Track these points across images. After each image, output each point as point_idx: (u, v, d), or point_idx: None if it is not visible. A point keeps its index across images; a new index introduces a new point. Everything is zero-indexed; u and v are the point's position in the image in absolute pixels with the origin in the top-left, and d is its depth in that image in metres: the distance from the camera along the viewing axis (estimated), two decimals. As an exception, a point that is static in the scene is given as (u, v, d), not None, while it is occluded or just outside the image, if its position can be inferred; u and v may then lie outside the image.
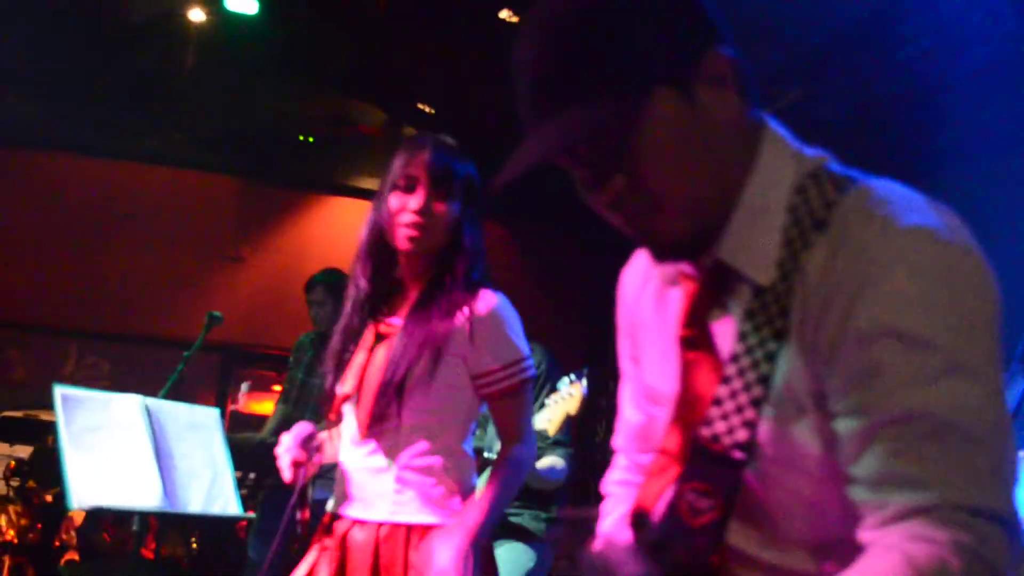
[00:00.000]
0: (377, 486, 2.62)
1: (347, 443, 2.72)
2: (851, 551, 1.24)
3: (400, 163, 2.63)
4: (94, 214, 8.57)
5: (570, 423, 4.36)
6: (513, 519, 4.31)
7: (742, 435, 1.32)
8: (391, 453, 2.61)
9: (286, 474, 2.59)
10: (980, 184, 5.31)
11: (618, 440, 1.79)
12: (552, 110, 1.34)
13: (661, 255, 1.43)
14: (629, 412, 1.73)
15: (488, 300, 2.66)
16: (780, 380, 1.32)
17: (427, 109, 9.10)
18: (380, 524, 2.59)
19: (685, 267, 1.48)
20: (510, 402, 2.67)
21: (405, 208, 2.58)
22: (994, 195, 5.08)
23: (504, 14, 7.23)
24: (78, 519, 6.90)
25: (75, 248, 8.48)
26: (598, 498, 1.78)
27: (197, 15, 7.72)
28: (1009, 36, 5.04)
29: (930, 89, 5.96)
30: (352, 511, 2.66)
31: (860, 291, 1.23)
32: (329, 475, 5.69)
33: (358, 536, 2.60)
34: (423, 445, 2.61)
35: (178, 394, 5.06)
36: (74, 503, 3.47)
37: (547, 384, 4.25)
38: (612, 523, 1.69)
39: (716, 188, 1.38)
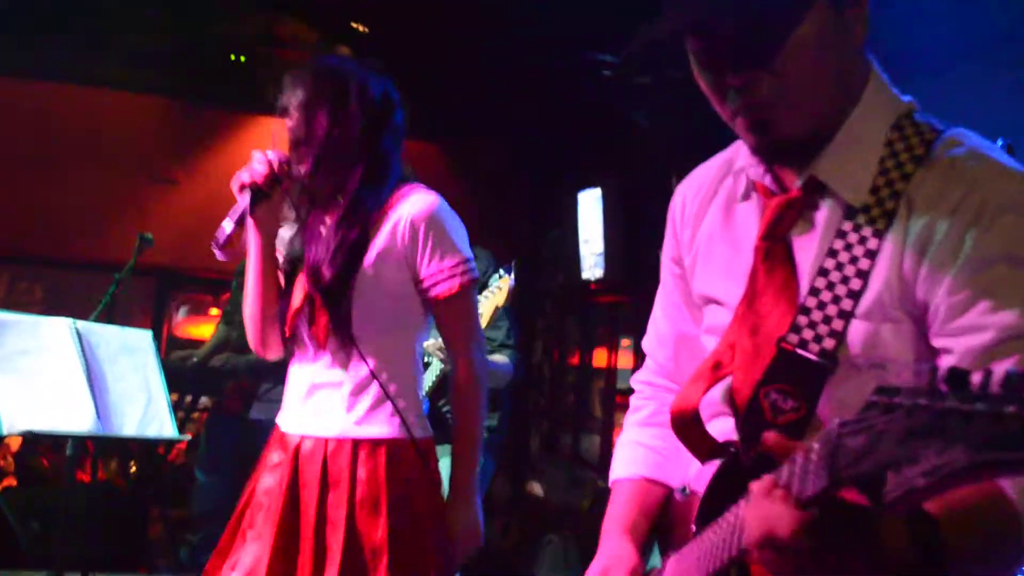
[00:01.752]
0: (327, 400, 2.62)
1: (298, 358, 2.71)
2: None
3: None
4: (22, 138, 8.33)
5: (513, 330, 4.39)
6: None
7: (829, 343, 1.43)
8: (342, 366, 2.60)
9: (258, 169, 2.58)
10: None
11: (648, 343, 1.93)
12: None
13: (770, 148, 1.53)
14: (660, 320, 1.88)
15: (427, 201, 2.65)
16: (871, 295, 1.43)
17: (361, 28, 8.92)
18: (328, 439, 2.58)
19: (768, 181, 1.58)
20: (457, 304, 2.65)
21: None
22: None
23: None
24: (14, 445, 6.83)
25: (4, 172, 8.26)
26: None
27: (124, -70, 7.49)
28: None
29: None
30: (302, 426, 2.64)
31: (976, 220, 1.37)
32: (267, 397, 5.70)
33: (308, 450, 2.59)
34: (373, 359, 2.59)
35: (112, 318, 4.99)
36: (4, 428, 3.43)
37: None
38: (643, 419, 1.89)
39: (836, 103, 1.50)
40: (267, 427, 5.88)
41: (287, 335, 2.69)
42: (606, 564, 1.69)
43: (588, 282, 8.50)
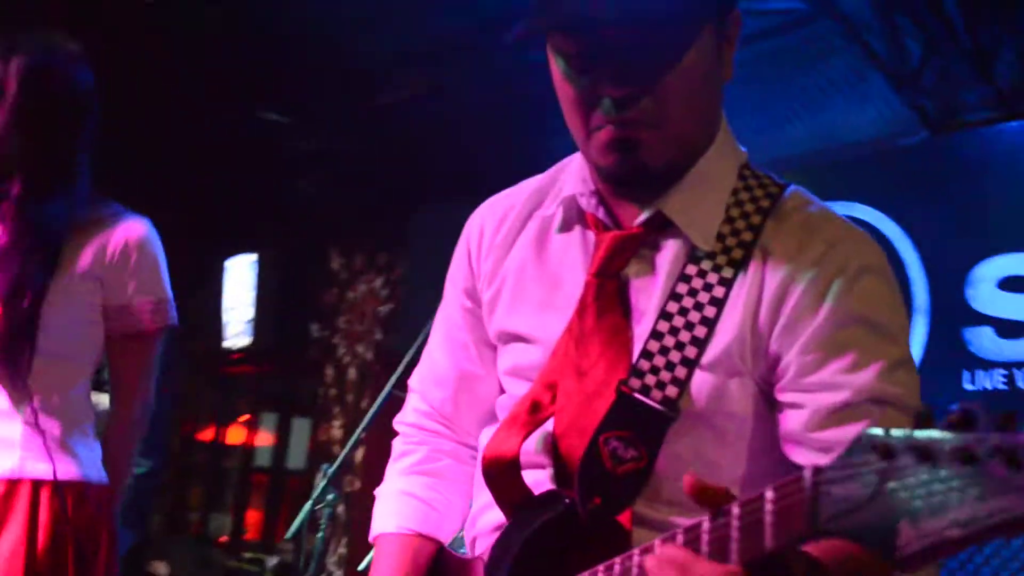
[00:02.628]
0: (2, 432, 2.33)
1: None
2: None
3: None
4: None
5: None
6: None
7: (671, 391, 1.41)
8: (11, 399, 2.32)
9: None
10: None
11: (421, 382, 1.83)
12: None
13: (629, 171, 1.46)
14: (439, 357, 1.78)
15: (142, 227, 2.47)
16: (718, 345, 1.42)
17: None
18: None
19: (601, 214, 1.54)
20: (148, 343, 2.47)
21: None
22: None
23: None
24: None
25: None
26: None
27: None
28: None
29: (553, 91, 6.14)
30: None
31: (837, 279, 1.39)
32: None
33: None
34: (53, 384, 2.35)
35: None
36: None
37: None
38: (411, 466, 1.77)
39: (700, 139, 1.51)
40: None
41: None
42: None
43: (229, 351, 8.27)
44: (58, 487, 2.28)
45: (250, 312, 8.08)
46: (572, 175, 1.60)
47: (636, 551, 1.24)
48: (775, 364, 1.41)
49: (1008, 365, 4.34)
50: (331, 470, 3.99)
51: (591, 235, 1.56)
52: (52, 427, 2.33)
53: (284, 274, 8.17)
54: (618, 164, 1.46)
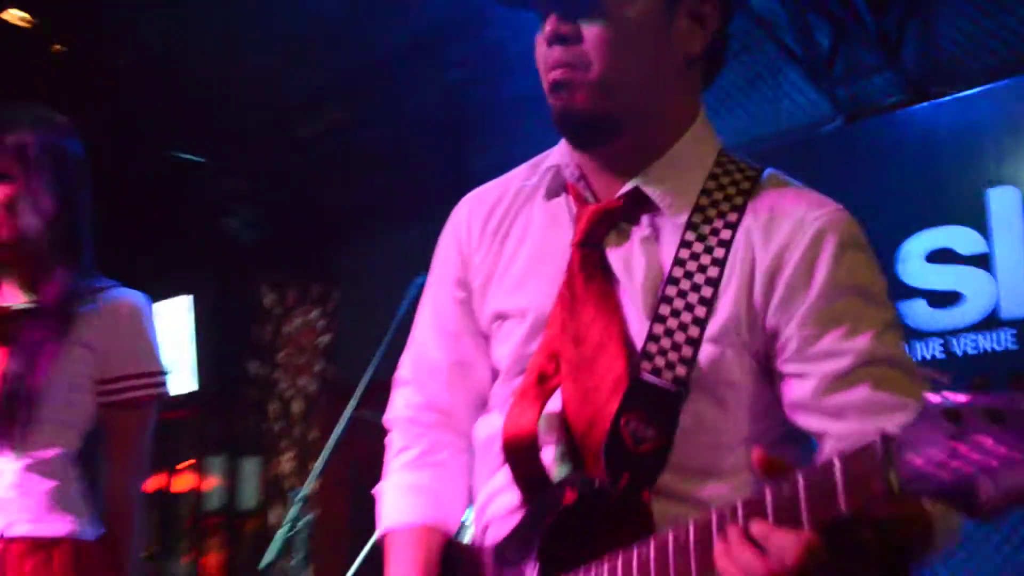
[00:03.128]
0: None
1: None
2: (744, 481, 1.48)
3: None
4: None
5: None
6: None
7: (681, 370, 1.46)
8: (13, 460, 2.33)
9: None
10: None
11: (411, 375, 1.84)
12: None
13: (564, 115, 1.54)
14: (431, 349, 1.79)
15: (138, 301, 2.51)
16: (719, 320, 1.48)
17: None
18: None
19: (581, 187, 1.61)
20: (144, 413, 2.48)
21: None
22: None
23: (10, 15, 6.61)
24: None
25: None
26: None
27: None
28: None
29: (472, 114, 6.24)
30: None
31: (824, 254, 1.46)
32: None
33: None
34: (49, 446, 2.36)
35: None
36: None
37: None
38: (412, 460, 1.77)
39: (641, 99, 1.55)
40: None
41: None
42: None
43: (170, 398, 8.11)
44: (51, 544, 2.30)
45: (187, 355, 7.98)
46: (558, 148, 1.67)
47: (690, 524, 1.25)
48: (773, 337, 1.48)
49: (943, 334, 4.49)
50: (301, 494, 3.97)
51: (575, 206, 1.63)
52: (44, 487, 2.33)
53: (217, 314, 8.11)
54: (556, 107, 1.54)
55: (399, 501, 1.74)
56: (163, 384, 2.51)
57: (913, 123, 4.72)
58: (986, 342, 4.38)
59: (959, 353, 4.43)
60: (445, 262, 1.80)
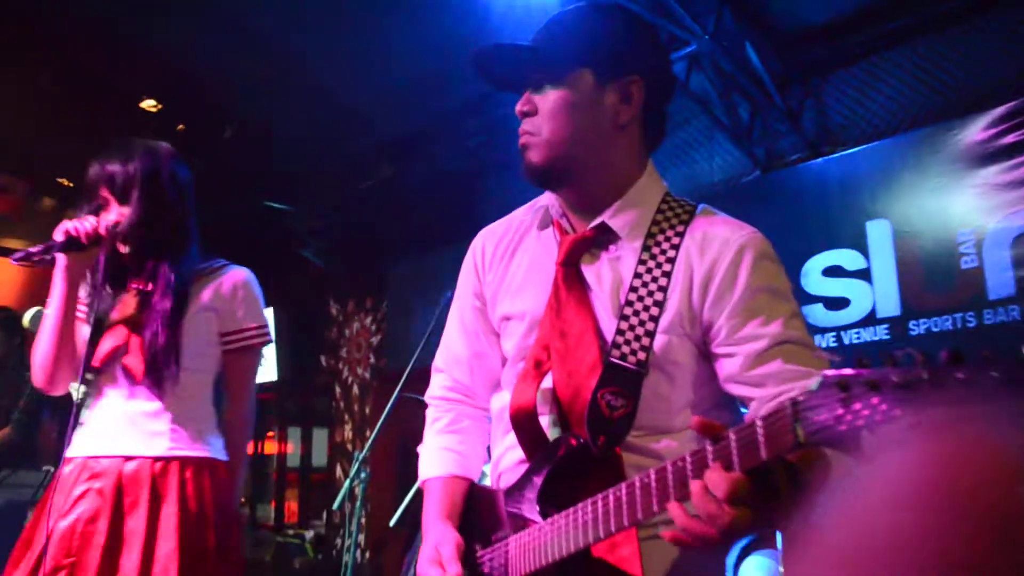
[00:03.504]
0: (151, 426, 2.29)
1: (107, 392, 2.34)
2: (689, 436, 1.47)
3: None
4: None
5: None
6: None
7: (642, 355, 1.46)
8: (159, 398, 2.31)
9: (83, 226, 2.24)
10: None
11: (444, 364, 1.83)
12: (544, 44, 1.56)
13: (527, 168, 1.57)
14: (457, 344, 1.80)
15: (244, 272, 2.49)
16: (667, 315, 1.48)
17: (65, 182, 8.23)
18: (155, 459, 2.26)
19: (564, 223, 1.62)
20: (248, 359, 2.45)
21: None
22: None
23: (146, 104, 6.69)
24: None
25: None
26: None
27: None
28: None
29: (485, 170, 6.29)
30: (125, 449, 2.28)
31: (743, 264, 1.47)
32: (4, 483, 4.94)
33: (132, 470, 2.24)
34: (190, 389, 2.34)
35: None
36: None
37: None
38: (443, 427, 1.78)
39: (581, 153, 1.55)
40: (2, 512, 5.10)
41: (98, 366, 2.34)
42: (436, 543, 1.59)
43: (259, 385, 8.12)
44: (198, 463, 2.29)
45: (271, 353, 7.95)
46: (547, 193, 1.67)
47: (651, 472, 1.23)
48: (708, 328, 1.47)
49: (836, 329, 4.50)
50: (362, 455, 3.98)
51: (559, 235, 1.63)
52: (189, 421, 2.32)
53: (296, 321, 8.07)
54: (523, 163, 1.57)
55: (433, 458, 1.75)
56: (267, 334, 2.48)
57: (811, 173, 4.73)
58: (867, 334, 4.39)
59: (847, 343, 4.44)
60: (466, 280, 1.79)
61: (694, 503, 1.14)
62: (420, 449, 1.80)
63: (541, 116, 1.54)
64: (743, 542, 4.03)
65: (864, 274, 4.44)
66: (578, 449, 1.45)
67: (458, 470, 1.72)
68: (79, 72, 6.43)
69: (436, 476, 1.72)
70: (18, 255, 2.18)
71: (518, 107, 1.56)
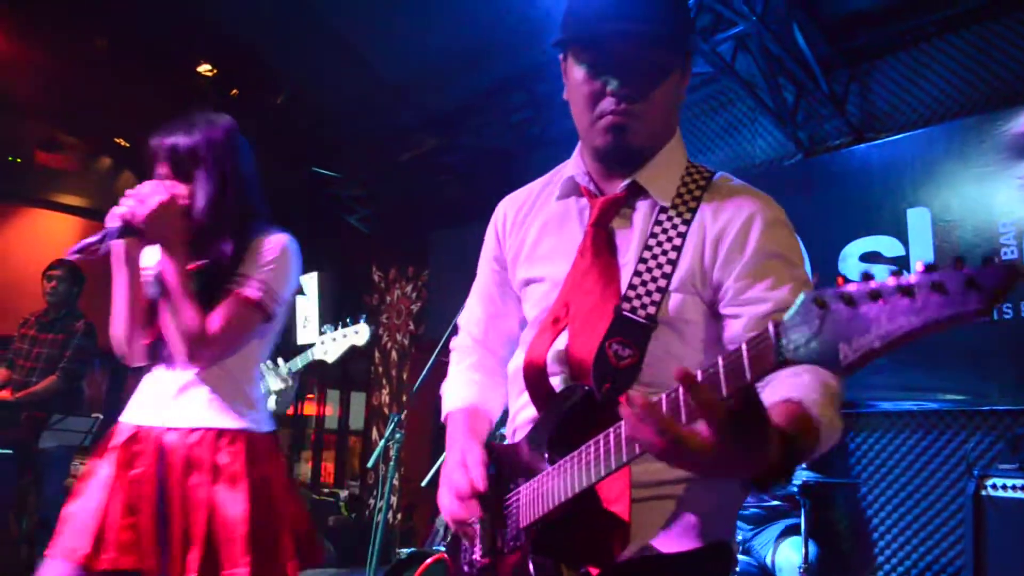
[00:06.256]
0: (192, 398, 2.29)
1: (160, 365, 2.34)
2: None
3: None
4: None
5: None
6: None
7: (651, 309, 1.47)
8: (204, 370, 2.30)
9: (138, 209, 2.17)
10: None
11: (466, 321, 1.89)
12: (652, 24, 1.49)
13: (618, 148, 1.54)
14: (477, 306, 1.85)
15: (282, 238, 2.35)
16: (680, 274, 1.48)
17: (122, 143, 8.36)
18: (192, 430, 2.26)
19: (591, 187, 1.62)
20: (241, 307, 2.26)
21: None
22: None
23: (202, 68, 6.77)
24: None
25: None
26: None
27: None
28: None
29: (527, 146, 6.30)
30: (168, 420, 2.29)
31: (756, 228, 1.47)
32: (56, 427, 5.08)
33: (171, 441, 2.25)
34: (228, 363, 2.31)
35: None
36: None
37: None
38: (468, 366, 1.82)
39: (664, 134, 1.59)
40: (54, 455, 5.24)
41: (147, 343, 2.31)
42: (462, 451, 1.60)
43: (301, 346, 8.22)
44: (235, 434, 2.26)
45: (314, 316, 8.06)
46: (569, 164, 1.67)
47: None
48: (717, 288, 1.47)
49: None
50: (395, 419, 4.02)
51: (584, 202, 1.62)
52: (225, 392, 2.30)
53: (339, 286, 8.13)
54: (613, 141, 1.53)
55: (457, 391, 1.79)
56: (267, 295, 2.29)
57: (854, 159, 4.69)
58: (901, 321, 4.35)
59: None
60: (488, 245, 1.82)
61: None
62: (443, 386, 1.84)
63: (651, 102, 1.51)
64: (781, 525, 4.03)
65: (902, 261, 4.40)
66: (584, 397, 1.46)
67: (480, 402, 1.76)
68: (137, 37, 6.52)
69: (460, 407, 1.75)
70: (75, 248, 2.12)
71: (624, 91, 1.50)
